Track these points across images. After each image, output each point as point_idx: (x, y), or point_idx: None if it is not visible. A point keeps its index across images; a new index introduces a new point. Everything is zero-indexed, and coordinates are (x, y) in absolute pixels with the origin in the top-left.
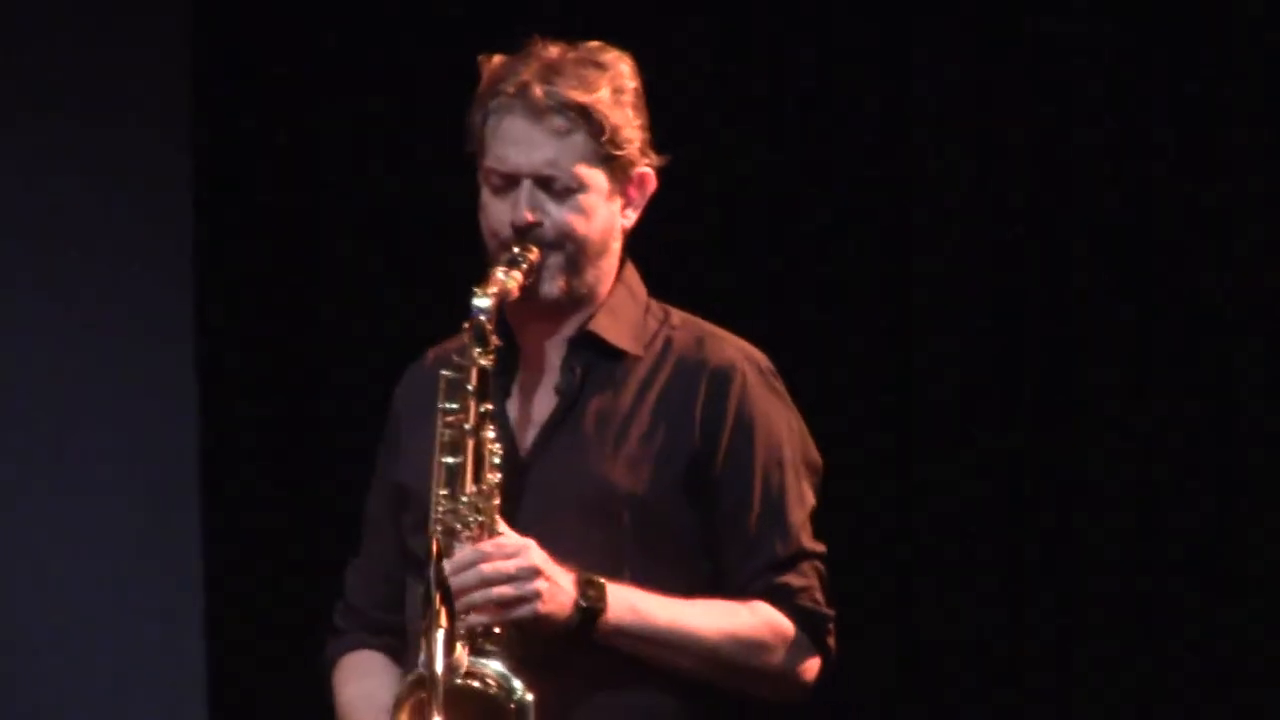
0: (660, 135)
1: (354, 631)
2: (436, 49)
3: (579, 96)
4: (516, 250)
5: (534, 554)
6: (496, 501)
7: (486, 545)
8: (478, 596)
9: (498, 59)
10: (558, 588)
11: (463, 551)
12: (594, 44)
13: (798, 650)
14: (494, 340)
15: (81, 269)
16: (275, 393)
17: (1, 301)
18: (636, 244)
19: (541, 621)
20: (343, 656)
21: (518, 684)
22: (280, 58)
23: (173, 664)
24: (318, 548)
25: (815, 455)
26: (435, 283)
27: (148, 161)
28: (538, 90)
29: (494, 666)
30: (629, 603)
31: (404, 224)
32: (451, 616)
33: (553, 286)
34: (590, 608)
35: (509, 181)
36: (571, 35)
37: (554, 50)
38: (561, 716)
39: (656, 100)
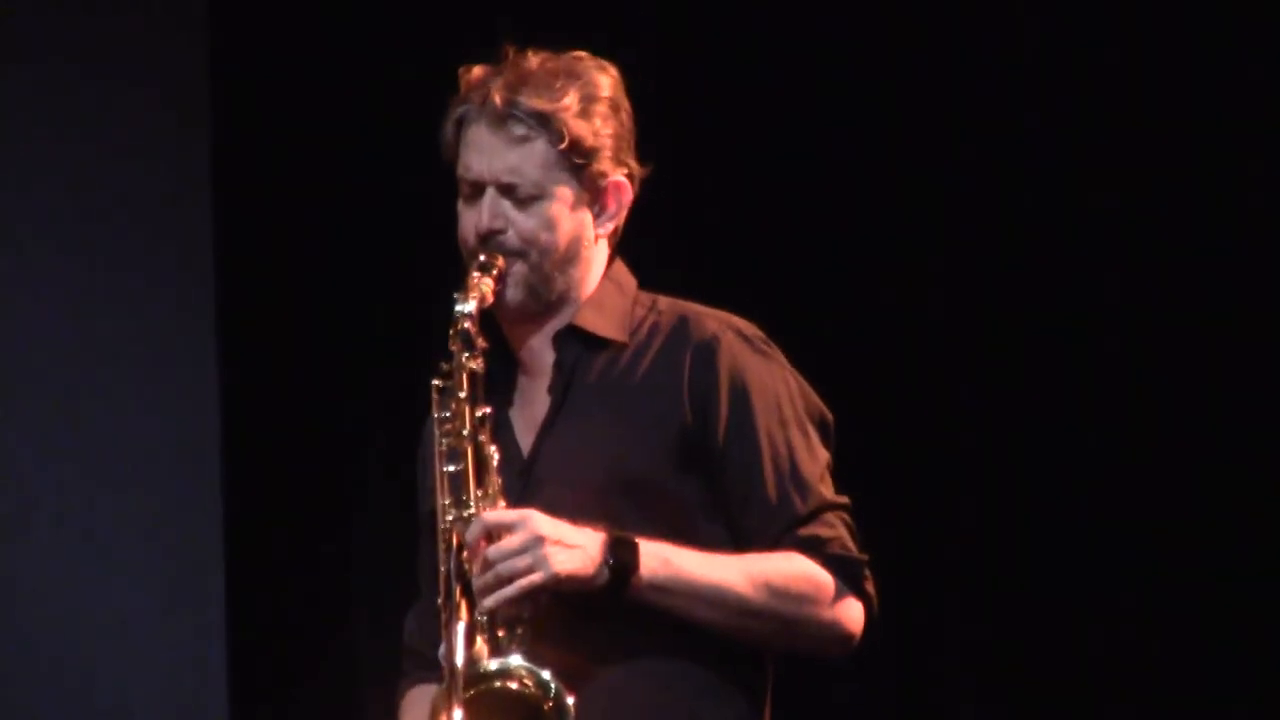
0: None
1: (414, 672)
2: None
3: (539, 105)
4: (484, 258)
5: (535, 523)
6: (502, 504)
7: (488, 516)
8: (489, 577)
9: (476, 70)
10: (575, 549)
11: (469, 530)
12: (577, 54)
13: (837, 598)
14: (480, 342)
15: (104, 260)
16: (298, 385)
17: (25, 296)
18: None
19: (566, 584)
20: (403, 699)
21: (555, 684)
22: (300, 52)
23: (194, 658)
24: (341, 539)
25: (821, 409)
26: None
27: (168, 156)
28: (499, 99)
29: (529, 666)
30: (662, 556)
31: (428, 219)
32: (472, 609)
33: (517, 293)
34: (620, 564)
35: (475, 189)
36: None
37: (533, 60)
38: (586, 693)
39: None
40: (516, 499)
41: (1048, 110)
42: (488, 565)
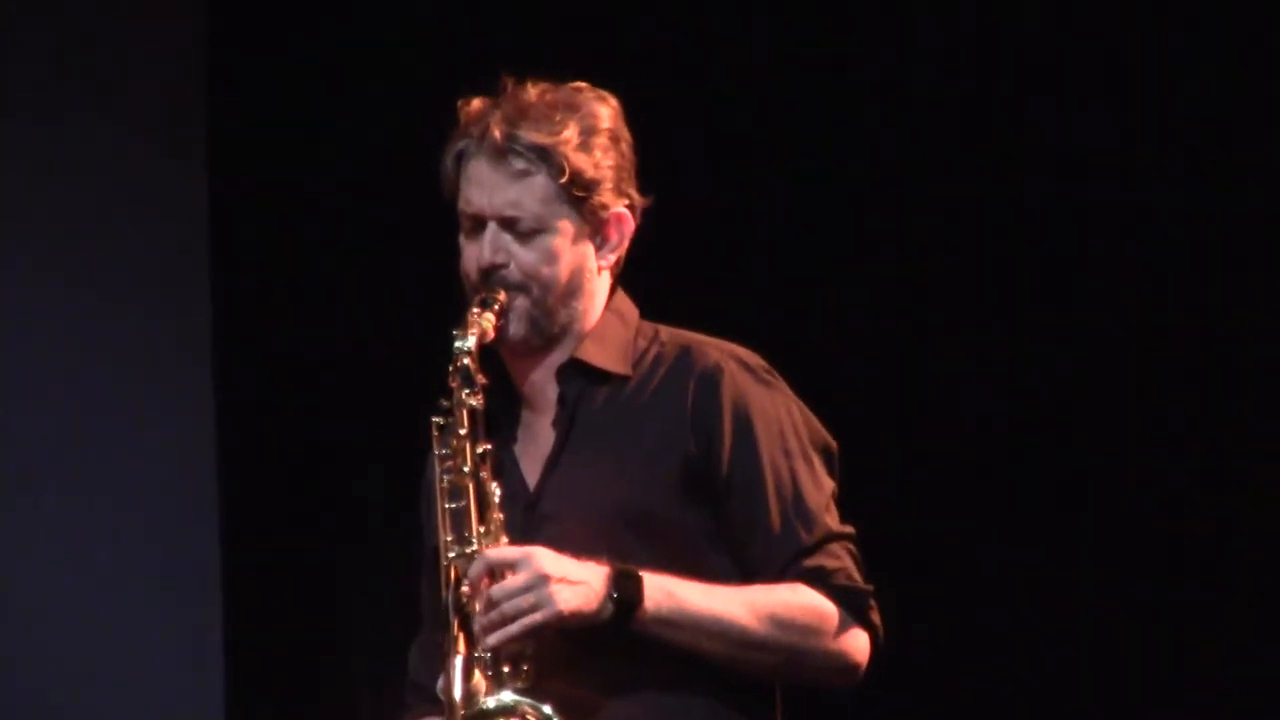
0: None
1: (417, 706)
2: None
3: (539, 138)
4: (485, 294)
5: (538, 560)
6: (505, 540)
7: (491, 553)
8: (493, 616)
9: (475, 103)
10: (579, 585)
11: (471, 567)
12: (577, 85)
13: (843, 629)
14: (480, 379)
15: (99, 274)
16: (293, 397)
17: (21, 307)
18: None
19: (570, 621)
20: None
21: (558, 718)
22: (297, 65)
23: (192, 672)
24: (336, 550)
25: (826, 438)
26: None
27: (164, 169)
28: (499, 133)
29: (531, 702)
30: (666, 589)
31: (425, 229)
32: (470, 643)
33: (520, 328)
34: (624, 599)
35: (476, 224)
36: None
37: (532, 92)
38: None
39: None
40: (523, 535)
41: (1040, 137)
42: (491, 604)
